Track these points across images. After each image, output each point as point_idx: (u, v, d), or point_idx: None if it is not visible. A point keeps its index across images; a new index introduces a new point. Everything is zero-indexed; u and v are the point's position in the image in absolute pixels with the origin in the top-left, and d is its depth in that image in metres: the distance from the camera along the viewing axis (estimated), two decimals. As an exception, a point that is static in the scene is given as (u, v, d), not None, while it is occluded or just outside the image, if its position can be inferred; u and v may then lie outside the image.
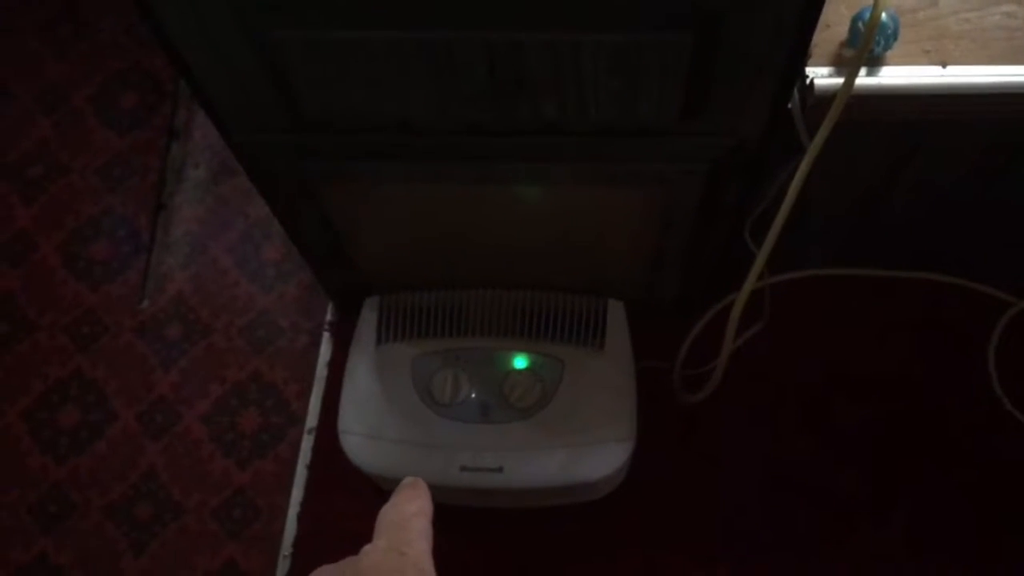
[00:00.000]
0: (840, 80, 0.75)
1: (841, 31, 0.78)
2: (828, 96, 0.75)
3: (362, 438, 1.02)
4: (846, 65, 0.76)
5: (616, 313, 1.05)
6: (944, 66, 0.78)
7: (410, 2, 0.61)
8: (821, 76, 0.77)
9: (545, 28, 0.63)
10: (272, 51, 0.67)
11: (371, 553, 0.43)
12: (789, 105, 0.78)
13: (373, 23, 0.63)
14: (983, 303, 1.18)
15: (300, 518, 1.17)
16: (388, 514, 0.46)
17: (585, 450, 1.00)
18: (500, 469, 0.99)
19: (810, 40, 0.69)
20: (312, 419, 1.23)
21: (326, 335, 1.28)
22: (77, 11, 1.53)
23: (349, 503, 1.15)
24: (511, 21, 0.62)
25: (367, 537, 0.44)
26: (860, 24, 0.75)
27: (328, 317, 1.29)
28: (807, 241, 1.13)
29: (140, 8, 0.65)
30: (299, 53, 0.67)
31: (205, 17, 0.66)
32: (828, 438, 1.16)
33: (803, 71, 0.77)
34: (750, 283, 0.87)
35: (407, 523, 0.45)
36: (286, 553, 1.16)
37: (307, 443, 1.22)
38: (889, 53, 0.77)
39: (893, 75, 0.78)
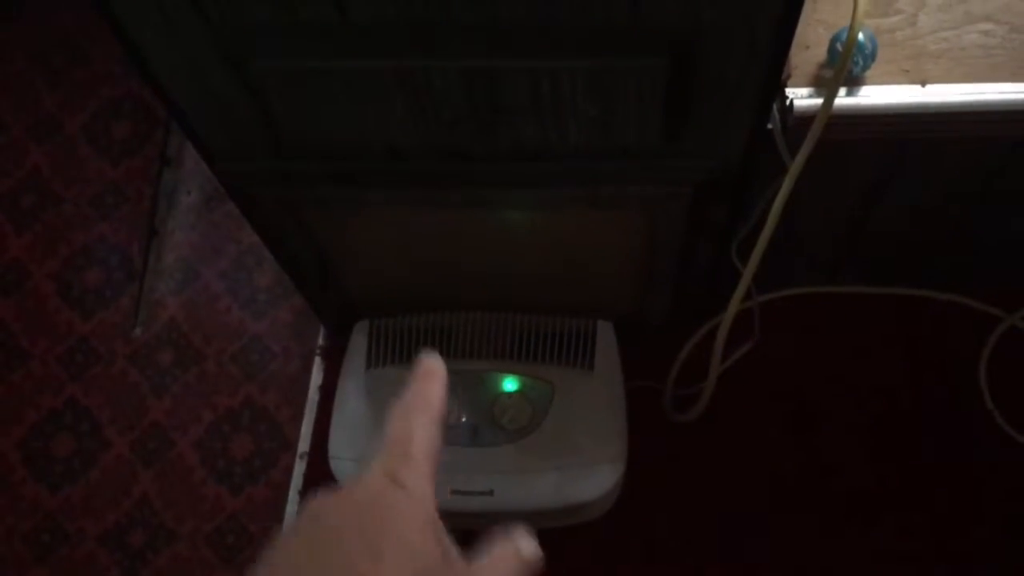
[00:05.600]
0: (819, 101, 0.76)
1: (820, 52, 0.78)
2: (808, 116, 0.76)
3: (352, 463, 1.02)
4: (825, 85, 0.77)
5: (605, 334, 1.06)
6: (923, 85, 0.78)
7: (386, 32, 0.62)
8: (801, 97, 0.78)
9: (520, 56, 0.63)
10: (253, 81, 0.68)
11: (367, 482, 0.39)
12: (770, 126, 0.79)
13: (350, 53, 0.64)
14: (973, 318, 1.18)
15: (293, 544, 1.17)
16: (394, 419, 0.42)
17: (576, 472, 1.00)
18: (491, 492, 0.99)
19: (785, 61, 0.70)
20: (304, 444, 1.23)
21: (318, 359, 1.28)
22: (70, 41, 1.54)
23: (342, 528, 1.15)
24: (486, 49, 0.63)
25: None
26: (838, 44, 0.76)
27: (320, 341, 1.29)
28: (795, 259, 1.13)
29: (121, 40, 0.66)
30: (279, 82, 0.68)
31: (186, 48, 0.67)
32: (819, 455, 1.16)
33: (783, 92, 0.78)
34: (735, 303, 0.88)
35: (410, 438, 0.41)
36: (279, 579, 1.16)
37: (299, 468, 1.22)
38: (868, 73, 0.78)
39: (872, 94, 0.78)
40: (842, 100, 0.77)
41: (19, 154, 1.47)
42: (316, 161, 0.79)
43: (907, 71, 0.79)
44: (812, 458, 1.16)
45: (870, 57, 0.77)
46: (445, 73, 0.66)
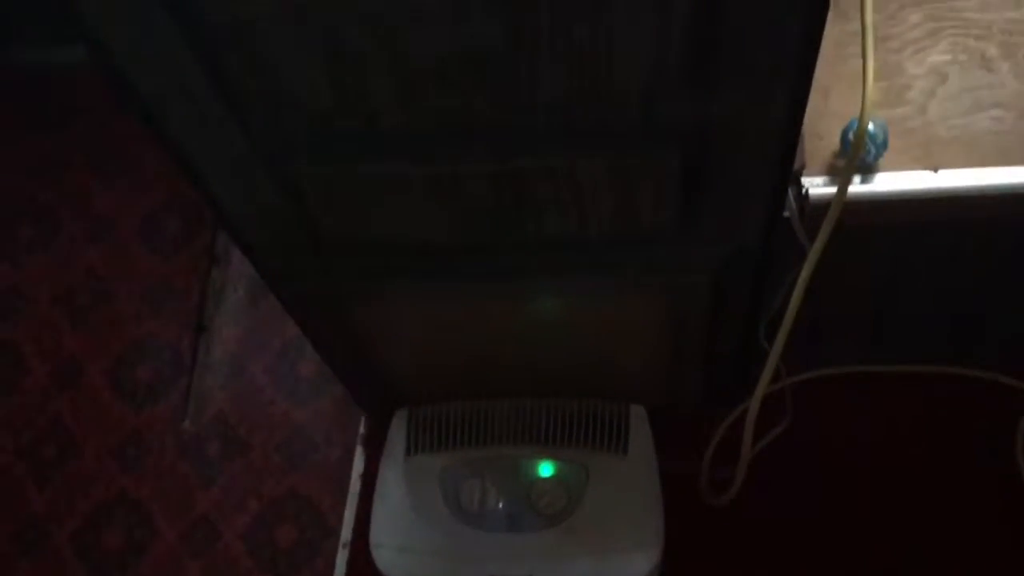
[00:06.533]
0: (834, 189, 0.78)
1: (833, 142, 0.81)
2: (824, 204, 0.79)
3: (393, 551, 1.04)
4: (839, 174, 0.80)
5: (638, 418, 1.07)
6: (936, 170, 0.81)
7: (414, 140, 0.67)
8: (816, 185, 0.81)
9: (540, 155, 0.67)
10: (291, 184, 0.72)
11: None
12: (787, 214, 0.82)
13: (381, 160, 0.68)
14: (1007, 395, 1.18)
15: (336, 633, 1.18)
16: None
17: (612, 557, 1.01)
18: (529, 578, 1.00)
19: (795, 152, 0.73)
20: (347, 532, 1.25)
21: (359, 448, 1.31)
22: (123, 146, 1.62)
23: (384, 616, 1.16)
24: (509, 151, 0.67)
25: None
26: (850, 134, 0.79)
27: (361, 430, 1.32)
28: (824, 340, 1.14)
29: (169, 148, 0.71)
30: (315, 186, 0.72)
31: (230, 155, 0.72)
32: (856, 537, 1.15)
33: (799, 181, 0.81)
34: (763, 386, 0.89)
35: None
36: (323, 669, 1.17)
37: (342, 557, 1.23)
38: (881, 161, 0.81)
39: (886, 181, 0.81)
40: (857, 187, 0.80)
41: (75, 254, 1.54)
42: (351, 257, 0.84)
43: (919, 158, 0.82)
44: (847, 539, 1.15)
45: (882, 146, 0.80)
46: (472, 174, 0.70)
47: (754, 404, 0.91)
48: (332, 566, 1.24)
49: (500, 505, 1.04)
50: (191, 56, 0.60)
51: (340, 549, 1.24)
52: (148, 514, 1.33)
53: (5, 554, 1.32)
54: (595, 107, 0.64)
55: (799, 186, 0.81)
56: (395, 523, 1.06)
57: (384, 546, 1.04)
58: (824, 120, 0.83)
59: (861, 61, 0.76)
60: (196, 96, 0.64)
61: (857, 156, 0.77)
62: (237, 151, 0.70)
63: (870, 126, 0.77)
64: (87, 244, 1.55)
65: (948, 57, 0.85)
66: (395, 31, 0.57)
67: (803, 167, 0.81)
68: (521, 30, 0.57)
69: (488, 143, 0.67)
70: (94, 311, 1.49)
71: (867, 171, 0.81)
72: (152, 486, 1.35)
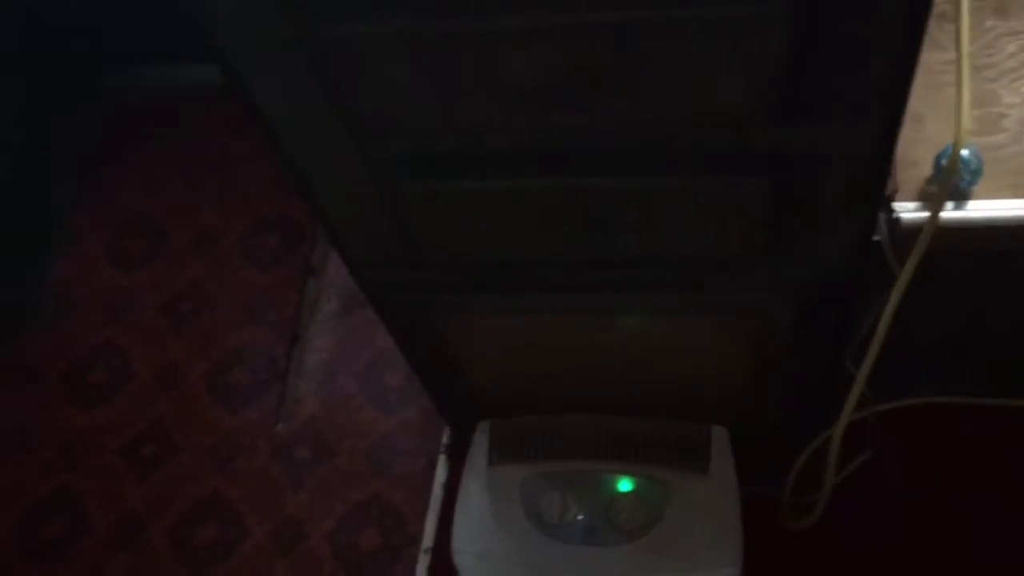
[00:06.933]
0: (926, 214, 0.79)
1: (926, 169, 0.81)
2: (915, 229, 0.79)
3: (473, 557, 1.06)
4: (931, 200, 0.80)
5: (720, 439, 1.08)
6: (1030, 199, 0.80)
7: (513, 158, 0.70)
8: (907, 211, 0.81)
9: (631, 175, 0.70)
10: (396, 199, 0.76)
11: None
12: (878, 238, 0.82)
13: (479, 176, 0.72)
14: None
15: (417, 637, 1.21)
16: None
17: (690, 575, 1.02)
18: (606, 593, 1.01)
19: (886, 179, 0.73)
20: (428, 539, 1.28)
21: (442, 458, 1.34)
22: (230, 164, 1.70)
23: (463, 623, 1.18)
24: (600, 170, 0.70)
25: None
26: (943, 161, 0.79)
27: (445, 440, 1.35)
28: (913, 368, 1.14)
29: (286, 165, 0.75)
30: (419, 201, 0.76)
31: (341, 172, 0.76)
32: (937, 570, 1.13)
33: (890, 206, 0.82)
34: (847, 413, 0.89)
35: None
36: (403, 671, 1.20)
37: (423, 562, 1.26)
38: (975, 188, 0.81)
39: (979, 208, 0.80)
40: (949, 214, 0.80)
41: (180, 266, 1.62)
42: (446, 270, 0.87)
43: (1014, 186, 0.81)
44: (928, 571, 1.13)
45: (977, 173, 0.80)
46: (565, 191, 0.72)
47: (839, 430, 0.91)
48: (413, 571, 1.27)
49: (579, 518, 1.06)
50: (312, 80, 0.64)
51: (421, 555, 1.27)
52: (239, 513, 1.38)
53: (107, 546, 1.38)
54: (690, 129, 0.66)
55: (890, 211, 0.81)
56: (476, 531, 1.08)
57: (465, 552, 1.07)
58: (918, 147, 0.83)
59: (956, 90, 0.76)
60: (314, 117, 0.69)
61: (950, 181, 0.77)
62: (347, 167, 0.74)
63: (964, 152, 0.77)
64: (192, 256, 1.63)
65: (1046, 87, 0.85)
66: (501, 55, 0.60)
67: (895, 192, 0.81)
68: (623, 55, 0.59)
69: (581, 162, 0.70)
70: (196, 319, 1.56)
71: (960, 198, 0.81)
72: (244, 486, 1.40)
